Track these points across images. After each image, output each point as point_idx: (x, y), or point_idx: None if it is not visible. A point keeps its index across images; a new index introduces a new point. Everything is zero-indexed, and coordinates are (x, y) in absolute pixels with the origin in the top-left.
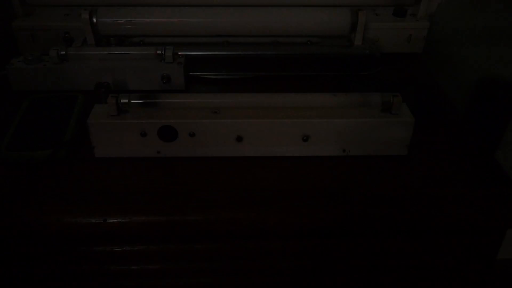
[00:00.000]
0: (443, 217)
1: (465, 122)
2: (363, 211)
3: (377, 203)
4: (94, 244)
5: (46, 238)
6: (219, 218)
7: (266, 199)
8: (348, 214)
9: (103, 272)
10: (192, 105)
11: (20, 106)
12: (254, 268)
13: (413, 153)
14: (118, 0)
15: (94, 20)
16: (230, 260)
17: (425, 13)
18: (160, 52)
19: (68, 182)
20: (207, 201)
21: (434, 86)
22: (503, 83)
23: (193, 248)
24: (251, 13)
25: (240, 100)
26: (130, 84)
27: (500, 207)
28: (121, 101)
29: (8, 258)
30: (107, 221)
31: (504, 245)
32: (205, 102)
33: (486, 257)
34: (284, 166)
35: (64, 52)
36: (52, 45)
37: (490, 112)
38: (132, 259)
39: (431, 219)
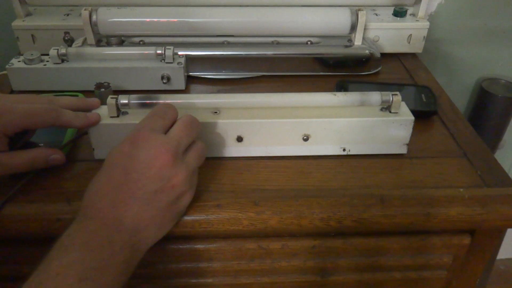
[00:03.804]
0: (443, 217)
1: (465, 122)
2: (363, 210)
3: (377, 203)
4: None
5: (46, 238)
6: (219, 218)
7: (266, 199)
8: (348, 214)
9: None
10: (192, 105)
11: None
12: (254, 268)
13: (413, 152)
14: (118, 0)
15: (94, 20)
16: (230, 260)
17: (425, 13)
18: (160, 52)
19: (68, 182)
20: (207, 201)
21: (434, 86)
22: (503, 83)
23: (193, 248)
24: (251, 13)
25: (240, 100)
26: (130, 84)
27: (500, 207)
28: (121, 102)
29: (8, 258)
30: None
31: (504, 245)
32: (205, 102)
33: (486, 257)
34: (284, 166)
35: (64, 52)
36: (52, 45)
37: (490, 113)
38: None
39: (430, 219)
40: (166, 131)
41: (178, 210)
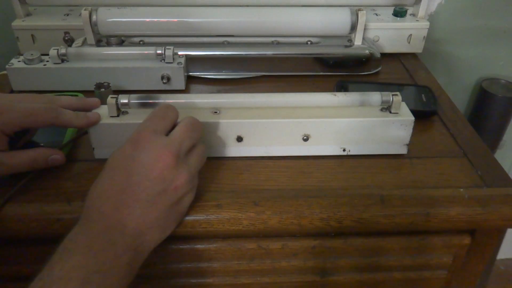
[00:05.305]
0: (443, 217)
1: (465, 122)
2: (363, 210)
3: (377, 203)
4: None
5: (46, 238)
6: (219, 218)
7: (266, 199)
8: (348, 214)
9: None
10: (192, 105)
11: None
12: (254, 268)
13: (413, 152)
14: (118, 0)
15: (94, 20)
16: (230, 260)
17: (425, 13)
18: (160, 52)
19: (68, 182)
20: (207, 201)
21: (434, 86)
22: (503, 83)
23: (193, 248)
24: (251, 13)
25: (240, 100)
26: (130, 84)
27: (500, 207)
28: (121, 101)
29: (8, 258)
30: None
31: (504, 245)
32: (205, 102)
33: (486, 257)
34: (284, 166)
35: (64, 52)
36: (52, 45)
37: (490, 113)
38: None
39: (430, 219)
40: (167, 133)
41: (180, 211)
